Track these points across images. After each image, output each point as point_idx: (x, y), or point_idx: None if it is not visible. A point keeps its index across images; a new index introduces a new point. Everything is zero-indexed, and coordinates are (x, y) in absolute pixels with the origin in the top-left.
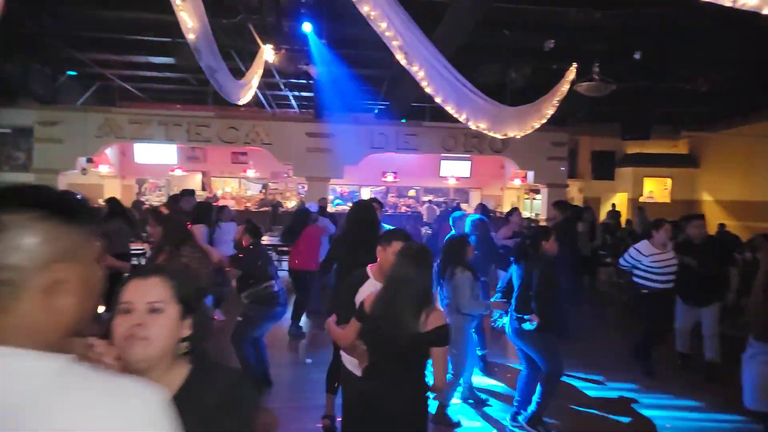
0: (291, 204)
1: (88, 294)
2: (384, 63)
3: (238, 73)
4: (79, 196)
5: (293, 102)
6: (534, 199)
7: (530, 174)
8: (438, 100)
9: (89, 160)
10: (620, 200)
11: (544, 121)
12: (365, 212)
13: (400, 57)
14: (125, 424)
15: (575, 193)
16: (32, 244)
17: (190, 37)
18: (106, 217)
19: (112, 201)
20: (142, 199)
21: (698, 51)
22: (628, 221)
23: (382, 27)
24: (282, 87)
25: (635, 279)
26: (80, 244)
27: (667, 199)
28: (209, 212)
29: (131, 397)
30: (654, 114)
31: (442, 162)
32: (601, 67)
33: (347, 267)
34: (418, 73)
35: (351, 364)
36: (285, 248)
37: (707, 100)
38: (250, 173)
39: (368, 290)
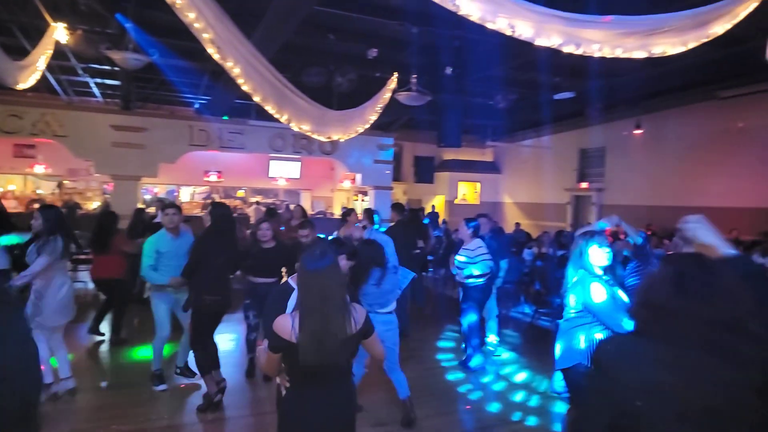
0: (93, 205)
1: None
2: (203, 55)
3: (22, 52)
4: None
5: (95, 90)
6: (363, 200)
7: (358, 176)
8: (257, 98)
9: None
10: (439, 202)
11: (367, 126)
12: (226, 213)
13: (212, 51)
14: None
15: (400, 196)
16: None
17: None
18: None
19: None
20: None
21: (494, 72)
22: (444, 221)
23: (190, 17)
24: (80, 72)
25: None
26: None
27: (477, 201)
28: None
29: None
30: (465, 125)
31: (271, 162)
32: (418, 79)
33: (212, 269)
34: (234, 69)
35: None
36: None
37: (505, 115)
38: (39, 169)
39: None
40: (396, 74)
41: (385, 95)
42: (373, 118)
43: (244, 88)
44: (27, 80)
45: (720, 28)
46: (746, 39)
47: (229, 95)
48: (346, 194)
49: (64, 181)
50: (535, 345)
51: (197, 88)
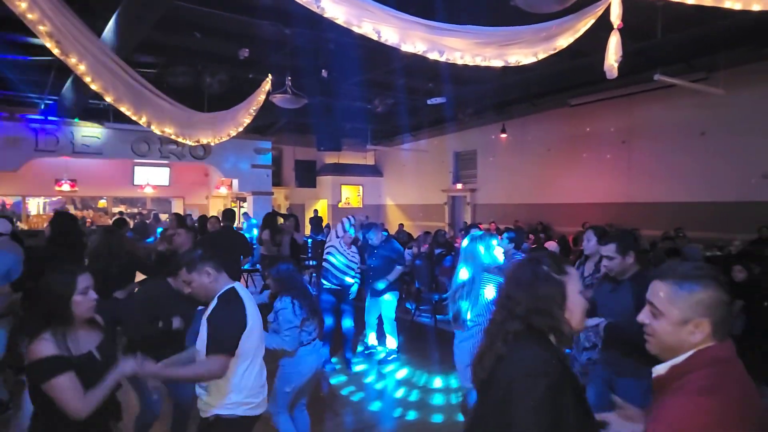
0: None
1: None
2: (44, 50)
3: None
4: None
5: None
6: (242, 206)
7: (235, 182)
8: (109, 99)
9: None
10: (322, 206)
11: (241, 129)
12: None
13: (51, 45)
14: None
15: (282, 200)
16: None
17: None
18: None
19: None
20: None
21: (370, 76)
22: (327, 225)
23: (21, 8)
24: None
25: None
26: None
27: (361, 204)
28: None
29: None
30: (345, 128)
31: (137, 168)
32: (294, 82)
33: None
34: (78, 66)
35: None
36: None
37: (385, 119)
38: None
39: None
40: (270, 76)
41: (259, 97)
42: (247, 120)
43: (93, 87)
44: None
45: (564, 41)
46: (589, 52)
47: (81, 95)
48: (223, 201)
49: None
50: (416, 342)
51: (42, 87)
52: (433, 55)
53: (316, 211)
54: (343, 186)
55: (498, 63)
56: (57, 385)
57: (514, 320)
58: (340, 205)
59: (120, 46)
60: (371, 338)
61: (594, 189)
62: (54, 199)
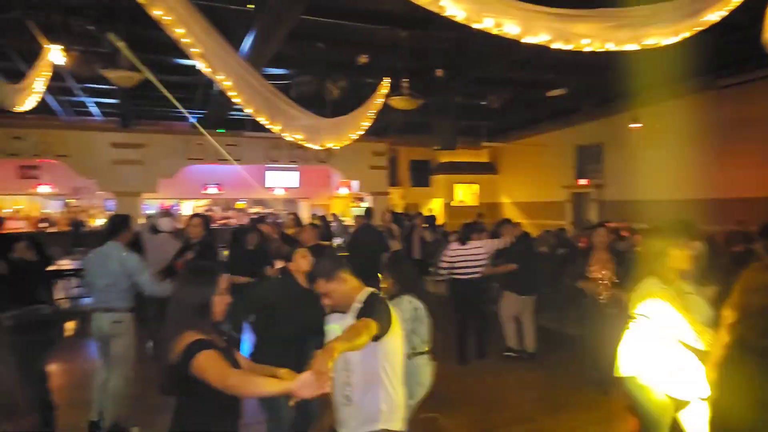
0: (97, 222)
1: None
2: (196, 70)
3: (19, 75)
4: None
5: (94, 109)
6: (360, 206)
7: (355, 183)
8: (249, 111)
9: None
10: (436, 205)
11: (361, 132)
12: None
13: (203, 65)
14: None
15: (398, 200)
16: None
17: None
18: None
19: None
20: None
21: (484, 72)
22: (442, 224)
23: (178, 33)
24: (77, 92)
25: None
26: None
27: (476, 203)
28: None
29: None
30: (459, 126)
31: (267, 173)
32: (409, 83)
33: None
34: (225, 82)
35: None
36: None
37: (500, 115)
38: (44, 189)
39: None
40: (387, 79)
41: (377, 100)
42: (366, 124)
43: (237, 100)
44: (25, 103)
45: (714, 15)
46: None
47: (223, 108)
48: (344, 201)
49: (69, 200)
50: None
51: (192, 103)
52: (557, 45)
53: (430, 210)
54: (457, 185)
55: (633, 47)
56: (204, 359)
57: None
58: (453, 204)
59: (255, 61)
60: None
61: (749, 182)
62: (202, 201)
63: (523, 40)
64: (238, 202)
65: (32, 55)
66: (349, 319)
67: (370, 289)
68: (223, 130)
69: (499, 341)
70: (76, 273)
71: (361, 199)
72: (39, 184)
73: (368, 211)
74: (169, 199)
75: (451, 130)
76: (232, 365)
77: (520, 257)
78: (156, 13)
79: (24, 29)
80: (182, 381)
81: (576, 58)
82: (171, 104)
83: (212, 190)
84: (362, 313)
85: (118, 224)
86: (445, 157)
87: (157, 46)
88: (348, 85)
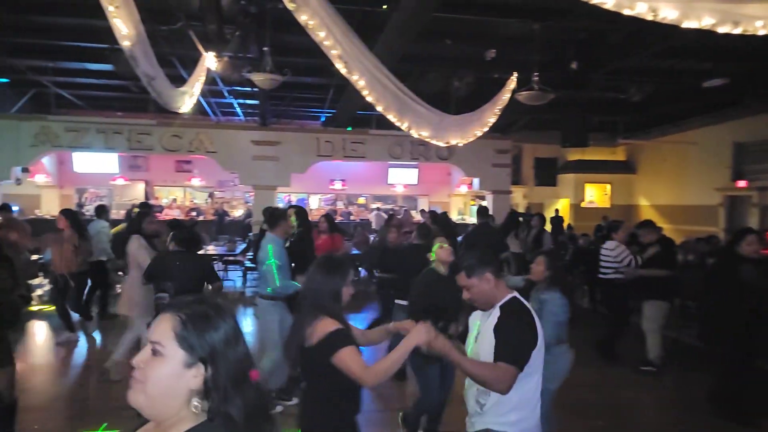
0: (238, 213)
1: None
2: (328, 71)
3: (180, 81)
4: None
5: (238, 110)
6: (480, 205)
7: (476, 181)
8: (380, 108)
9: (25, 170)
10: (563, 206)
11: (486, 129)
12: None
13: (340, 66)
14: None
15: (520, 199)
16: None
17: (125, 44)
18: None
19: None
20: (84, 210)
21: (626, 62)
22: (569, 226)
23: (320, 36)
24: (226, 95)
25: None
26: None
27: (608, 204)
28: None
29: None
30: (592, 122)
31: (390, 169)
32: (540, 77)
33: None
34: (359, 82)
35: None
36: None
37: (640, 109)
38: (195, 182)
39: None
40: (515, 74)
41: (504, 96)
42: (492, 120)
43: (368, 99)
44: (185, 104)
45: None
46: None
47: (352, 107)
48: (463, 199)
49: (215, 192)
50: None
51: (323, 103)
52: (723, 28)
53: (557, 210)
54: (586, 184)
55: None
56: (347, 355)
57: None
58: (582, 205)
59: (386, 61)
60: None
61: None
62: (327, 195)
63: (683, 26)
64: (359, 198)
65: (190, 61)
66: (491, 320)
67: (512, 294)
68: (351, 128)
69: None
70: (221, 258)
71: (481, 198)
72: (191, 177)
73: (484, 209)
74: (300, 193)
75: (582, 126)
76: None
77: (669, 263)
78: (302, 18)
79: (185, 39)
80: (318, 365)
81: (737, 44)
82: (304, 104)
83: (338, 185)
84: (501, 324)
85: (278, 216)
86: (575, 155)
87: (294, 50)
88: (474, 81)
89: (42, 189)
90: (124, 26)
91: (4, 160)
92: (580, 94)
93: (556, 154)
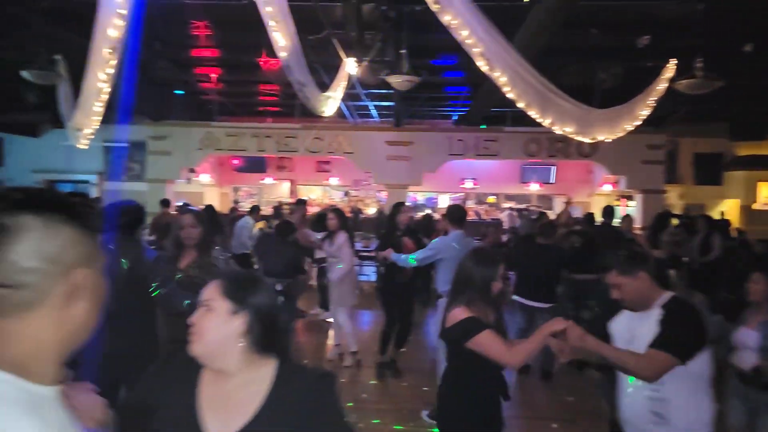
0: (371, 210)
1: (97, 302)
2: (463, 69)
3: (322, 86)
4: (82, 201)
5: (374, 111)
6: (627, 206)
7: (622, 179)
8: (521, 104)
9: (192, 170)
10: (730, 207)
11: (638, 123)
12: None
13: (481, 63)
14: None
15: (675, 200)
16: (55, 248)
17: (282, 55)
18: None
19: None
20: (238, 206)
21: None
22: (739, 230)
23: (463, 35)
24: (363, 97)
25: None
26: (94, 249)
27: None
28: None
29: None
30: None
31: (524, 168)
32: (704, 62)
33: None
34: (500, 78)
35: None
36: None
37: None
38: (333, 181)
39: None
40: (673, 61)
41: (660, 86)
42: (645, 113)
43: (510, 95)
44: (329, 108)
45: None
46: None
47: (486, 105)
48: (607, 199)
49: (350, 191)
50: None
51: (456, 101)
52: None
53: (722, 213)
54: (760, 183)
55: None
56: (484, 339)
57: None
58: (754, 207)
59: (526, 53)
60: None
61: None
62: (456, 195)
63: None
64: (489, 197)
65: (331, 68)
66: (649, 322)
67: (671, 294)
68: (485, 126)
69: None
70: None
71: (628, 198)
72: (330, 177)
73: (609, 210)
74: (429, 192)
75: (758, 116)
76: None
77: None
78: (445, 18)
79: (329, 46)
80: (453, 348)
81: None
82: (437, 104)
83: (468, 184)
84: (668, 317)
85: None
86: (746, 150)
87: (430, 51)
88: (622, 71)
89: (204, 187)
90: (282, 38)
91: (177, 162)
92: (758, 79)
93: (721, 148)
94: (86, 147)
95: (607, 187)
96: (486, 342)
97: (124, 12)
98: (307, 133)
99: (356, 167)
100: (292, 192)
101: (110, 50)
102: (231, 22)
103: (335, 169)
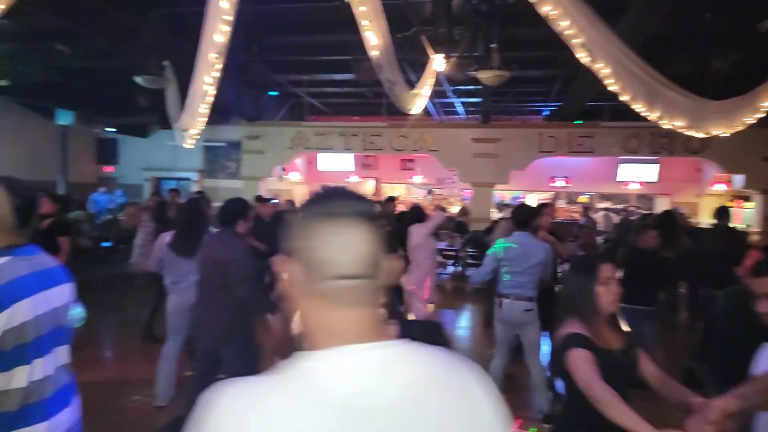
0: (455, 209)
1: None
2: (555, 63)
3: (409, 84)
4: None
5: (460, 108)
6: (742, 207)
7: (738, 178)
8: (625, 97)
9: (283, 169)
10: None
11: (761, 115)
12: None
13: (582, 55)
14: None
15: None
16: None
17: (374, 53)
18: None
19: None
20: None
21: None
22: None
23: (562, 26)
24: (449, 94)
25: None
26: None
27: None
28: None
29: None
30: None
31: (621, 165)
32: None
33: None
34: (603, 70)
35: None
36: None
37: None
38: (417, 179)
39: None
40: None
41: None
42: None
43: (613, 88)
44: (417, 106)
45: None
46: None
47: (581, 99)
48: (718, 200)
49: (434, 189)
50: None
51: (547, 96)
52: None
53: None
54: None
55: None
56: (573, 356)
57: None
58: None
59: (631, 42)
60: None
61: None
62: (546, 194)
63: None
64: (581, 196)
65: (418, 65)
66: None
67: None
68: (580, 121)
69: None
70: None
71: (745, 198)
72: (413, 174)
73: (723, 210)
74: (516, 190)
75: None
76: (626, 370)
77: None
78: (544, 9)
79: (417, 43)
80: (559, 366)
81: None
82: (526, 99)
83: (560, 182)
84: None
85: (529, 214)
86: None
87: (521, 44)
88: (740, 59)
89: (294, 185)
90: (375, 37)
91: (270, 161)
92: None
93: None
94: (192, 147)
95: (720, 187)
96: (577, 360)
97: (230, 18)
98: (392, 131)
99: (441, 165)
100: (377, 190)
101: (216, 55)
102: (323, 23)
103: (419, 166)
